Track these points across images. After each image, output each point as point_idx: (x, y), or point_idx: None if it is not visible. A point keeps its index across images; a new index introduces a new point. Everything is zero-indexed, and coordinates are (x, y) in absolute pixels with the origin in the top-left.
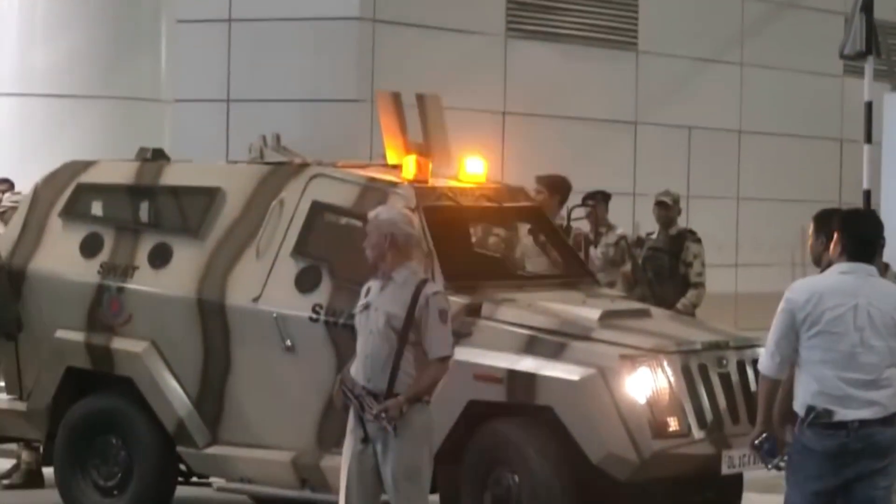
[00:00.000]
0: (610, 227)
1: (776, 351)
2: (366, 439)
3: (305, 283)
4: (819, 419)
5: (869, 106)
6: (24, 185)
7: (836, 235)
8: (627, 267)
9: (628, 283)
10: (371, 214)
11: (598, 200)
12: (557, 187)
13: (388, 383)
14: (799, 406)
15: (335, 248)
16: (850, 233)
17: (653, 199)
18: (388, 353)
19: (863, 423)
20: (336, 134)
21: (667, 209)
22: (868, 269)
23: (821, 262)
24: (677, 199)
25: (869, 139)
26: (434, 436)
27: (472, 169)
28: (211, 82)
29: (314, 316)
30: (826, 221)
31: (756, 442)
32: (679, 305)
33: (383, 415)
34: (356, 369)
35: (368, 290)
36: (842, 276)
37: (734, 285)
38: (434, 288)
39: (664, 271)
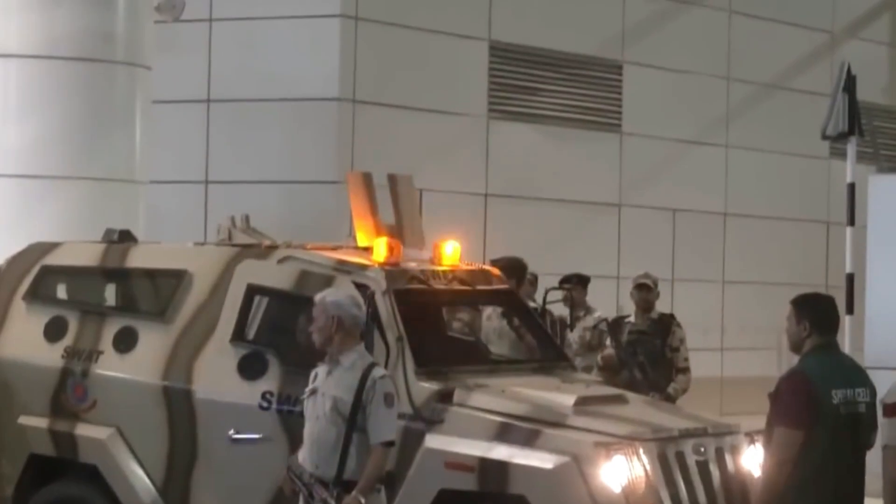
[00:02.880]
0: (588, 311)
1: None
2: None
3: (248, 369)
4: None
5: (852, 188)
6: None
7: None
8: (609, 350)
9: (612, 366)
10: (317, 297)
11: (574, 283)
12: (513, 269)
13: (336, 469)
14: None
15: (285, 333)
16: None
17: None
18: (336, 438)
19: None
20: (316, 215)
21: (648, 291)
22: None
23: (801, 349)
24: (656, 282)
25: (852, 222)
26: None
27: (445, 251)
28: (188, 163)
29: (264, 404)
30: (807, 307)
31: None
32: (670, 390)
33: None
34: (303, 455)
35: (316, 376)
36: None
37: (720, 369)
38: (381, 371)
39: (656, 355)
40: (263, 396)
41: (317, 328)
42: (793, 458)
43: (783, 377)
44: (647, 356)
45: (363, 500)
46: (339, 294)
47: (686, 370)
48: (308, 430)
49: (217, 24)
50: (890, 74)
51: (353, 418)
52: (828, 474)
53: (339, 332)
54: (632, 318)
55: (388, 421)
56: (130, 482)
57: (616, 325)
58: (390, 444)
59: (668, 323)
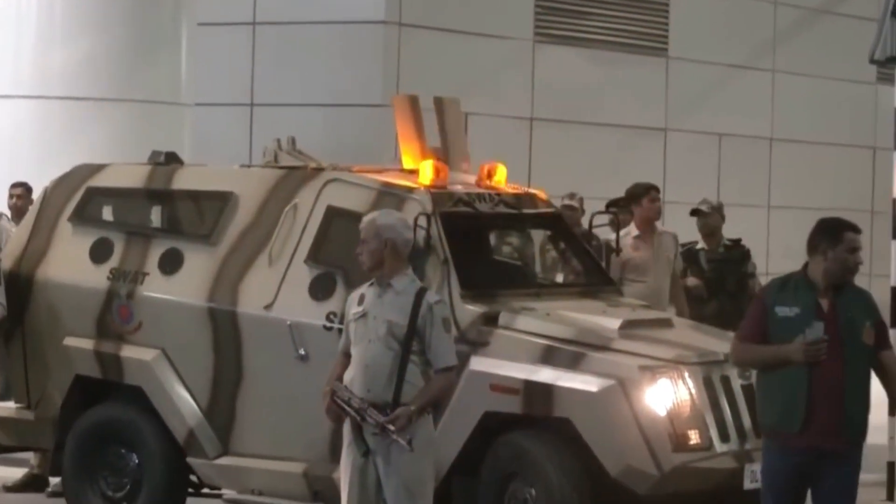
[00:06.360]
0: None
1: None
2: (367, 452)
3: (319, 290)
4: None
5: None
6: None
7: None
8: (695, 280)
9: (700, 296)
10: (367, 219)
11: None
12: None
13: (393, 394)
14: None
15: (350, 255)
16: None
17: (681, 207)
18: (393, 362)
19: None
20: (360, 138)
21: (705, 217)
22: None
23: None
24: (716, 207)
25: None
26: (436, 447)
27: (491, 175)
28: (233, 86)
29: (328, 324)
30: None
31: None
32: None
33: (391, 426)
34: (352, 379)
35: (362, 297)
36: None
37: None
38: (436, 297)
39: (741, 284)
40: (328, 317)
41: (368, 251)
42: None
43: None
44: (735, 285)
45: (414, 417)
46: (390, 217)
47: None
48: (359, 354)
49: None
50: None
51: (409, 343)
52: None
53: (391, 256)
54: (701, 245)
55: (449, 346)
56: (175, 403)
57: (692, 253)
58: (452, 368)
59: (744, 250)
